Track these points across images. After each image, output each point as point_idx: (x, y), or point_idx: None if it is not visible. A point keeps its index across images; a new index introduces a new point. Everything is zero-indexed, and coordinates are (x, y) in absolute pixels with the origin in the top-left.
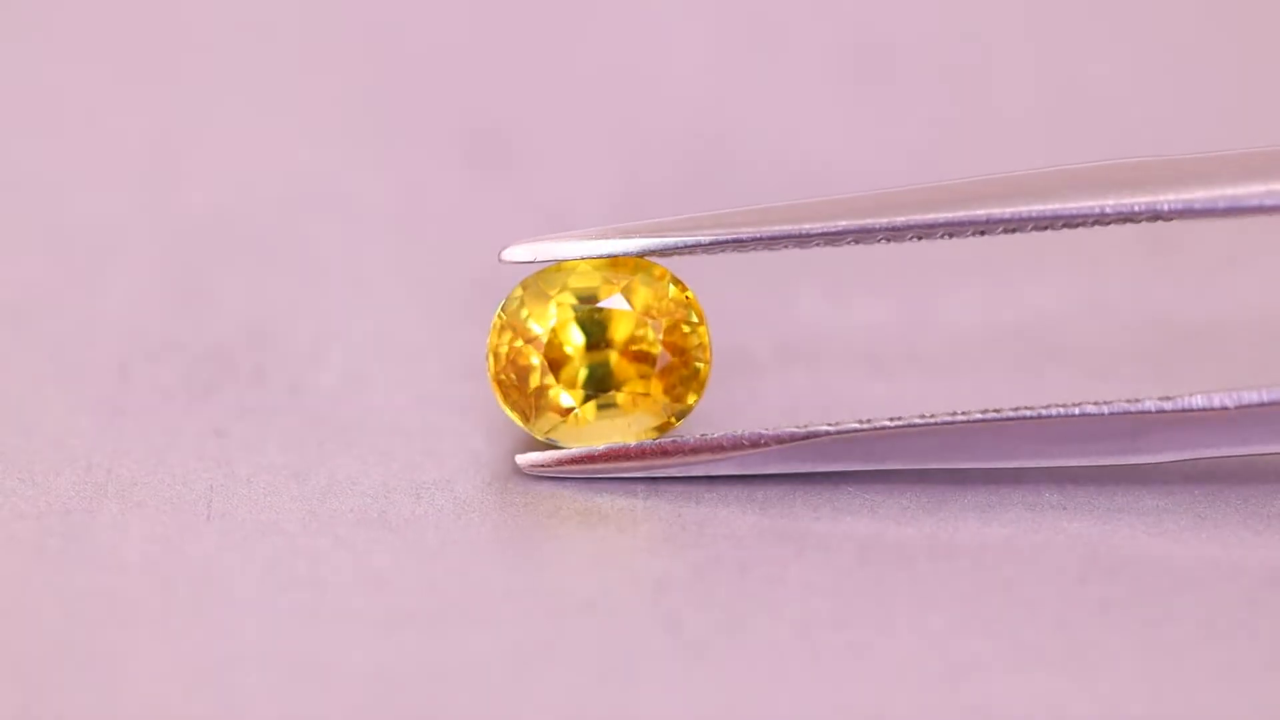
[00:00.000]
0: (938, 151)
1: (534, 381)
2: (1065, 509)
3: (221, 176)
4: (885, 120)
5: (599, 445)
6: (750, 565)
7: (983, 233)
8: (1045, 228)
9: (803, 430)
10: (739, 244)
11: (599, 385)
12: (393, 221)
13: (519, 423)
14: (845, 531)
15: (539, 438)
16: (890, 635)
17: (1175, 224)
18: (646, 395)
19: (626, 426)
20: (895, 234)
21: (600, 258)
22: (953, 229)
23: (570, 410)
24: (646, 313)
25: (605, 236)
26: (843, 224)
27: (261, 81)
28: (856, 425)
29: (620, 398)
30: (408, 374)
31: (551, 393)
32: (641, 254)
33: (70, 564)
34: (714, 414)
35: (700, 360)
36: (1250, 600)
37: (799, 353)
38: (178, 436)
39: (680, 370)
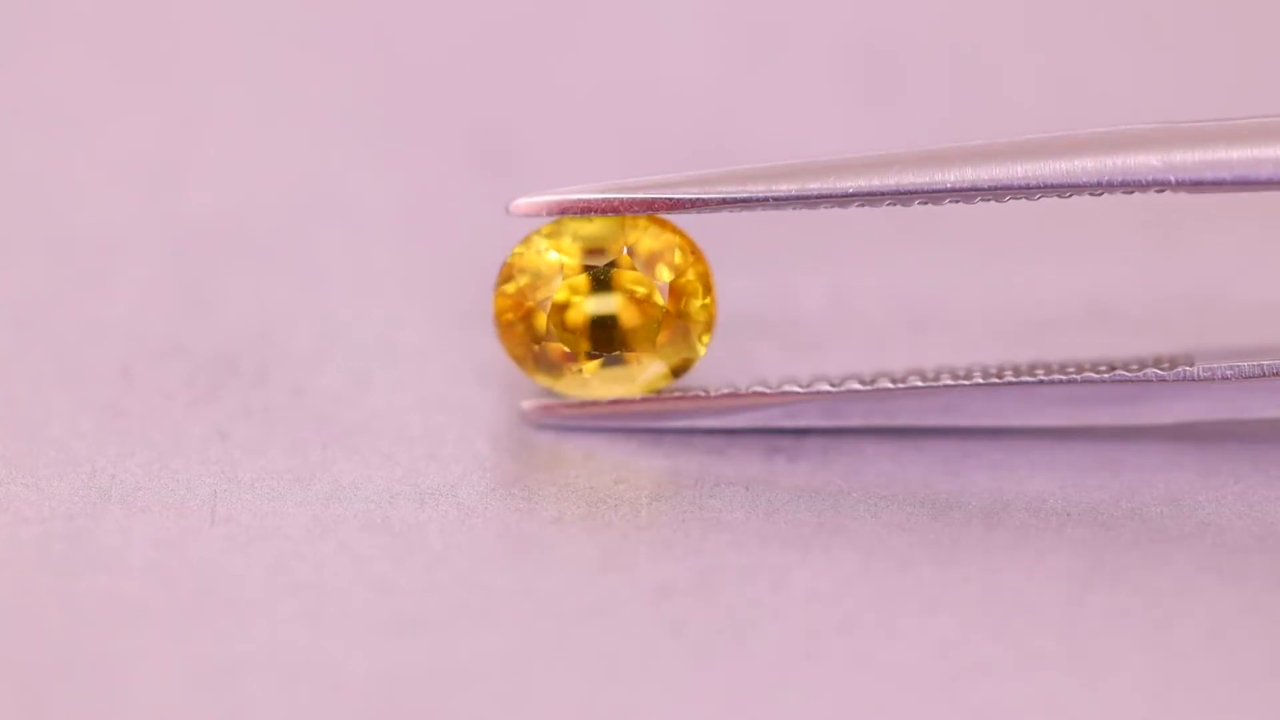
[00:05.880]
0: None
1: (539, 331)
2: (1069, 514)
3: (224, 179)
4: (890, 123)
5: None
6: (754, 571)
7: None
8: (1039, 192)
9: (805, 389)
10: (746, 204)
11: (604, 338)
12: (396, 225)
13: (520, 367)
14: (849, 536)
15: (543, 386)
16: (894, 640)
17: (1182, 203)
18: (651, 346)
19: (630, 378)
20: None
21: (609, 215)
22: (978, 194)
23: (573, 361)
24: (652, 265)
25: (614, 191)
26: (852, 186)
27: (265, 85)
28: (857, 386)
29: (625, 350)
30: (411, 377)
31: (556, 344)
32: (650, 210)
33: (74, 568)
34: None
35: (705, 315)
36: (1255, 605)
37: (806, 325)
38: (181, 440)
39: (686, 323)
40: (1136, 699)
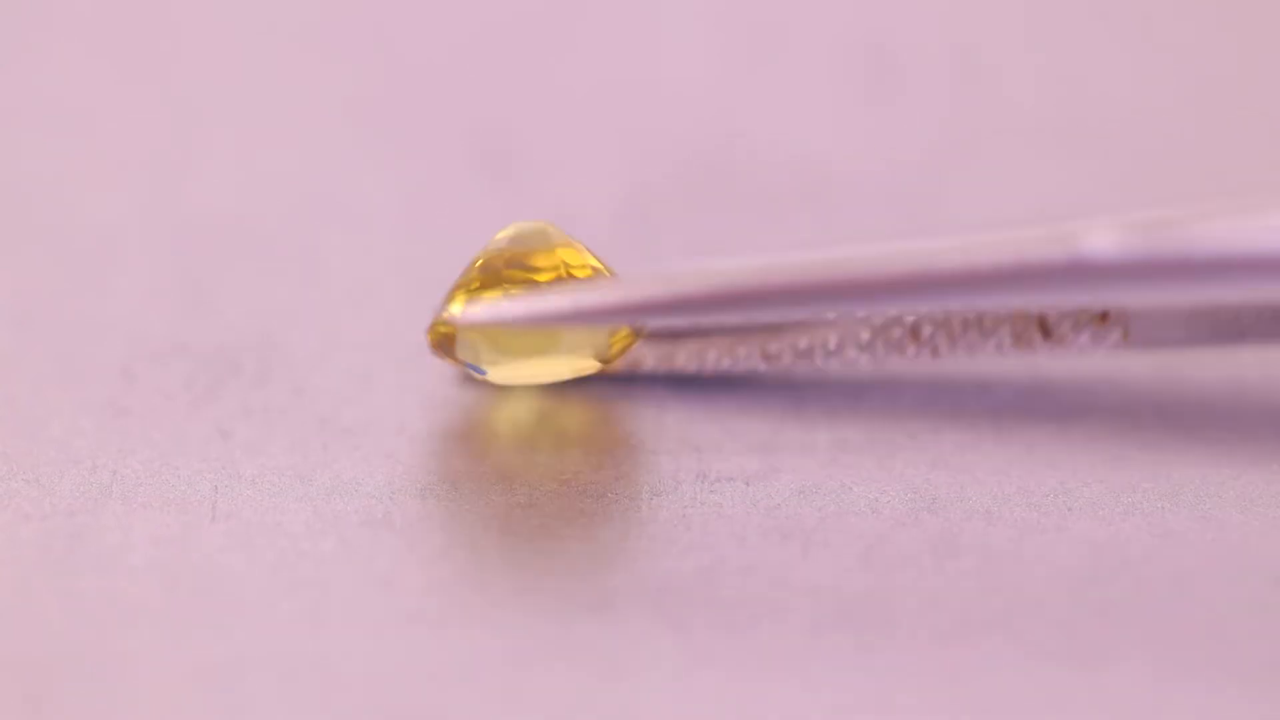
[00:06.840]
0: (947, 156)
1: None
2: (1070, 510)
3: (227, 178)
4: (890, 123)
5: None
6: (755, 567)
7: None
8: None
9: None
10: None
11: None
12: (397, 224)
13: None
14: (850, 533)
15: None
16: (895, 636)
17: None
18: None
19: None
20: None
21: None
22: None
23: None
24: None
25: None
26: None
27: (266, 85)
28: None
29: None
30: (412, 377)
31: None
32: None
33: (74, 566)
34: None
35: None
36: (1256, 602)
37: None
38: (182, 438)
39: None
40: (1136, 695)
